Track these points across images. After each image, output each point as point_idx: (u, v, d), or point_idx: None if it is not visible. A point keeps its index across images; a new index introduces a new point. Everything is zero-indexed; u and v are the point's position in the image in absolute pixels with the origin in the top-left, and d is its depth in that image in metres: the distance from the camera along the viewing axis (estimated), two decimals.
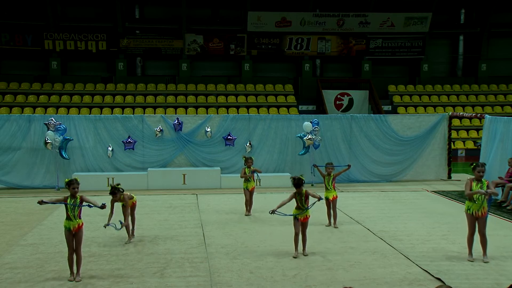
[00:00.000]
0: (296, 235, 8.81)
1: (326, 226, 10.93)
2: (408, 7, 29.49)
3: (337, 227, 10.85)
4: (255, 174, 13.00)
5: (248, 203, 12.19)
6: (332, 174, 11.06)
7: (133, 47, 28.51)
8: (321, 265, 8.43)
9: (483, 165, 8.63)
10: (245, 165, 12.40)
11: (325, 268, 8.29)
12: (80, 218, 7.91)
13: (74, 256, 7.86)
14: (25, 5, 27.67)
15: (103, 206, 7.78)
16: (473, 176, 8.60)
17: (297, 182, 8.82)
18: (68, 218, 7.86)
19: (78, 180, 8.07)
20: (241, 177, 12.28)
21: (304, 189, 8.85)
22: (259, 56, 29.59)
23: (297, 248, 8.83)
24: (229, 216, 12.06)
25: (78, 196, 7.91)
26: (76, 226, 7.87)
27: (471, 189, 8.44)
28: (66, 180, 8.05)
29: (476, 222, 8.53)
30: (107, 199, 14.01)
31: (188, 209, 12.93)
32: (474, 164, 8.65)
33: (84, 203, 7.91)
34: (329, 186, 11.01)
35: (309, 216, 8.92)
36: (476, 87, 30.27)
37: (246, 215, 12.09)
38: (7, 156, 15.87)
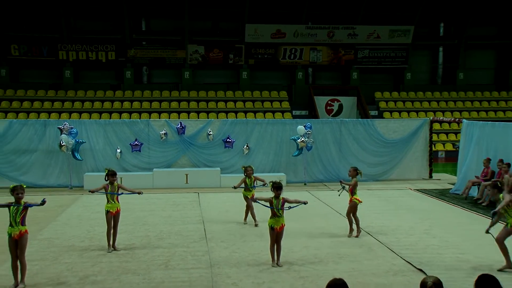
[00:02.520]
0: (272, 245, 8.01)
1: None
2: (393, 20, 29.56)
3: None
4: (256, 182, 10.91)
5: (250, 212, 10.78)
6: (354, 179, 9.84)
7: (139, 57, 28.47)
8: (313, 257, 8.45)
9: None
10: (244, 174, 10.81)
11: (317, 260, 8.31)
12: (23, 224, 7.19)
13: (18, 264, 7.21)
14: (41, 19, 27.64)
15: (43, 202, 7.26)
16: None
17: (277, 186, 7.99)
18: (10, 224, 7.15)
19: (24, 186, 7.48)
20: (235, 187, 10.74)
21: (282, 196, 8.00)
22: (256, 65, 29.59)
23: (274, 258, 8.04)
24: (228, 213, 12.06)
25: (22, 202, 7.22)
26: (18, 233, 7.12)
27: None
28: (11, 186, 7.31)
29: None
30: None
31: (190, 207, 12.94)
32: None
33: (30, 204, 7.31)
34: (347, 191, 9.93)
35: (284, 225, 8.07)
36: (454, 94, 30.34)
37: (244, 223, 10.87)
38: (25, 158, 15.85)
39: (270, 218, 8.08)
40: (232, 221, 11.21)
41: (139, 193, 9.45)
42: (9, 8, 27.04)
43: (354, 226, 9.85)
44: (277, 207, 8.01)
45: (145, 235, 9.98)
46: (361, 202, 9.86)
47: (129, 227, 10.61)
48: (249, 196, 10.58)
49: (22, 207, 7.20)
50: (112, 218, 8.94)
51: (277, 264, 8.01)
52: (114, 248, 8.89)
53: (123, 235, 9.88)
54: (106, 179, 9.10)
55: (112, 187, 9.01)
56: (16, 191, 7.18)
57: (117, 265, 8.09)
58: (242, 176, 11.00)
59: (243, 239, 9.66)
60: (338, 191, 10.03)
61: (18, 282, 7.18)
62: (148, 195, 14.50)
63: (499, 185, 8.20)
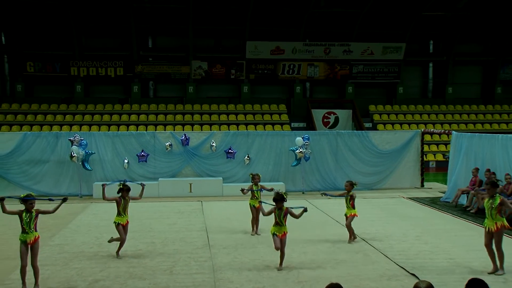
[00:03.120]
0: (277, 249, 8.04)
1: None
2: (385, 38, 29.70)
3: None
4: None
5: (255, 222, 10.46)
6: (351, 193, 9.60)
7: (146, 73, 28.58)
8: (311, 263, 8.42)
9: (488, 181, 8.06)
10: (252, 182, 10.67)
11: (314, 265, 8.28)
12: (36, 230, 7.28)
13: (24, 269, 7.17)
14: (55, 38, 27.82)
15: (64, 199, 7.66)
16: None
17: (280, 198, 7.99)
18: (23, 231, 7.19)
19: (33, 195, 7.66)
20: (244, 193, 10.40)
21: (285, 206, 8.04)
22: (256, 79, 29.68)
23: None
24: (230, 220, 12.02)
25: (34, 210, 7.30)
26: (33, 239, 7.21)
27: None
28: (22, 195, 7.36)
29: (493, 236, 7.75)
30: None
31: (194, 214, 12.91)
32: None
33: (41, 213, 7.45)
34: (347, 204, 9.69)
35: (286, 233, 8.11)
36: (444, 107, 30.39)
37: (252, 235, 10.40)
38: (38, 168, 15.86)
39: (273, 225, 8.17)
40: (234, 228, 11.17)
41: (142, 184, 9.71)
42: (26, 28, 27.23)
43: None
44: (279, 217, 8.09)
45: (151, 241, 9.95)
46: (357, 216, 9.83)
47: (136, 234, 10.58)
48: (256, 206, 10.22)
49: (34, 214, 7.28)
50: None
51: (278, 268, 8.07)
52: (117, 255, 8.82)
53: (130, 242, 9.85)
54: (119, 193, 8.89)
55: (124, 202, 8.90)
56: (29, 202, 7.25)
57: (124, 270, 8.06)
58: (245, 184, 11.01)
59: (244, 245, 9.63)
60: (323, 195, 10.16)
61: (26, 286, 7.16)
62: (153, 203, 14.50)
63: (496, 182, 7.93)
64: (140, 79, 28.76)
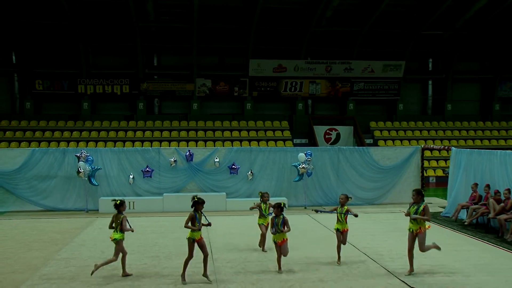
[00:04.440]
0: (279, 257, 8.69)
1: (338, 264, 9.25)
2: (385, 56, 29.91)
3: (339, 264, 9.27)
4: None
5: (264, 239, 10.18)
6: (345, 206, 9.45)
7: (151, 90, 28.76)
8: (313, 276, 8.41)
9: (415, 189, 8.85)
10: (260, 200, 10.38)
11: (316, 279, 8.27)
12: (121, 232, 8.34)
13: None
14: (63, 56, 28.13)
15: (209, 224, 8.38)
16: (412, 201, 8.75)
17: (278, 205, 8.61)
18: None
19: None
20: (251, 208, 10.46)
21: (282, 215, 8.58)
22: (259, 97, 29.80)
23: (280, 267, 8.69)
24: (234, 235, 12.01)
25: (121, 216, 8.45)
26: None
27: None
28: (118, 201, 8.54)
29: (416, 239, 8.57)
30: (128, 220, 14.04)
31: None
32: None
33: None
34: (341, 218, 9.49)
35: (286, 239, 8.60)
36: (443, 124, 30.43)
37: (263, 250, 10.13)
38: (46, 183, 15.93)
39: (274, 233, 8.61)
40: (238, 242, 11.16)
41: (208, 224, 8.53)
42: (35, 47, 27.57)
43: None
44: (277, 225, 8.54)
45: (156, 255, 9.97)
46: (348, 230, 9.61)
47: (141, 248, 10.60)
48: (264, 224, 10.10)
49: (122, 216, 8.41)
50: (195, 246, 8.20)
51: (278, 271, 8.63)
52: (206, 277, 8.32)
53: (135, 255, 9.88)
54: (193, 207, 8.25)
55: (199, 215, 8.29)
56: (123, 206, 8.53)
57: (130, 283, 8.07)
58: (248, 200, 10.90)
59: (247, 259, 9.62)
60: (318, 212, 9.95)
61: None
62: (158, 218, 14.52)
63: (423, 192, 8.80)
64: (146, 97, 28.93)
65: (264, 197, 10.36)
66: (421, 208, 8.49)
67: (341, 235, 9.35)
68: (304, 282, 8.08)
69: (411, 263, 8.60)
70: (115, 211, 8.60)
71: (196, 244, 8.17)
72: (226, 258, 9.72)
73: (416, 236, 8.53)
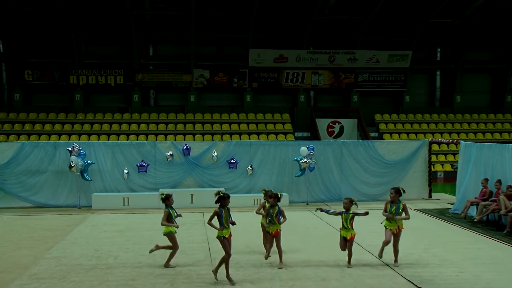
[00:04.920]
0: (266, 242, 9.15)
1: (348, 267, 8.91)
2: (391, 45, 29.79)
3: (350, 267, 8.91)
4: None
5: (269, 244, 9.25)
6: (351, 211, 9.00)
7: (147, 81, 28.71)
8: (315, 276, 8.38)
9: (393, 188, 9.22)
10: (264, 198, 9.68)
11: (319, 279, 8.25)
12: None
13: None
14: (54, 46, 28.04)
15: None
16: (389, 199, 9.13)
17: (275, 196, 8.90)
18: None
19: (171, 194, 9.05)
20: (257, 212, 9.83)
21: (278, 205, 8.92)
22: (259, 88, 29.75)
23: (267, 250, 9.10)
24: (233, 232, 11.95)
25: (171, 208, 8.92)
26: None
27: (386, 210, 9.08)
28: (164, 195, 8.97)
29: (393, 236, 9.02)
30: (123, 217, 14.05)
31: (195, 226, 12.90)
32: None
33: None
34: (347, 224, 9.00)
35: (279, 230, 8.92)
36: (452, 116, 30.37)
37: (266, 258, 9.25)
38: (36, 178, 15.87)
39: (268, 223, 8.85)
40: (237, 239, 11.10)
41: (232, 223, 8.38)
42: (24, 36, 27.45)
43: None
44: (272, 215, 8.82)
45: (152, 254, 9.91)
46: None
47: (136, 246, 10.58)
48: (270, 232, 9.19)
49: (164, 210, 8.81)
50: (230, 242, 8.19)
51: (278, 266, 8.78)
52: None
53: (130, 254, 9.86)
54: (218, 203, 8.17)
55: (225, 211, 8.18)
56: (169, 199, 8.96)
57: (124, 283, 8.05)
58: (247, 195, 10.69)
59: (246, 258, 9.60)
60: (322, 211, 9.43)
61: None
62: (154, 215, 14.42)
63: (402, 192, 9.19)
64: (141, 88, 28.88)
65: (268, 195, 9.54)
66: (401, 207, 8.98)
67: (346, 244, 8.95)
68: (305, 281, 8.06)
69: (382, 250, 9.21)
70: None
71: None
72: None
73: (395, 234, 9.02)
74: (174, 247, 9.03)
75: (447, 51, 31.19)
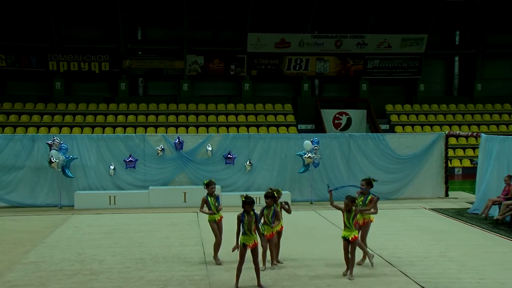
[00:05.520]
0: (264, 251, 8.99)
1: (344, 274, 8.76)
2: (405, 28, 29.71)
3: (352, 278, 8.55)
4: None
5: (275, 249, 9.27)
6: (353, 210, 8.74)
7: (135, 68, 28.66)
8: (320, 282, 8.36)
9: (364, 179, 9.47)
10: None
11: (324, 284, 8.23)
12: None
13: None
14: (30, 28, 27.90)
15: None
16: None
17: (271, 195, 8.95)
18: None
19: (214, 180, 9.62)
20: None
21: (274, 206, 8.98)
22: (259, 76, 29.71)
23: (265, 263, 9.01)
24: (230, 234, 11.93)
25: (215, 195, 9.67)
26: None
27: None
28: (205, 181, 9.53)
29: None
30: (109, 217, 14.04)
31: (189, 227, 12.88)
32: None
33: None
34: (349, 223, 8.74)
35: (274, 233, 9.07)
36: (471, 107, 30.37)
37: (271, 268, 9.16)
38: (11, 175, 15.80)
39: (261, 224, 8.80)
40: (234, 242, 11.11)
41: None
42: None
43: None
44: (267, 216, 8.96)
45: (140, 257, 9.92)
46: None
47: (123, 249, 10.55)
48: (277, 229, 9.28)
49: (218, 200, 9.46)
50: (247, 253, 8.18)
51: (276, 261, 9.18)
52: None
53: (116, 258, 9.84)
54: (244, 207, 8.13)
55: (248, 217, 8.09)
56: (210, 186, 9.42)
57: None
58: (247, 194, 10.51)
59: (245, 262, 9.55)
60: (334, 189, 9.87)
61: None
62: (143, 215, 14.47)
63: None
64: (128, 76, 28.82)
65: (264, 195, 9.33)
66: (368, 199, 9.28)
67: (349, 245, 8.67)
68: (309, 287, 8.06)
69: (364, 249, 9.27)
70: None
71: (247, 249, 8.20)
72: (221, 260, 9.67)
73: (360, 227, 9.30)
74: (215, 238, 9.52)
75: (467, 34, 31.11)
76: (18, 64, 27.56)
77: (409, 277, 8.63)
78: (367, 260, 9.26)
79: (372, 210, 9.23)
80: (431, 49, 30.22)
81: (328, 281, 8.45)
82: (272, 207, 8.98)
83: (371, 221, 9.45)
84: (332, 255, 9.98)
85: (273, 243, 9.07)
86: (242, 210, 8.15)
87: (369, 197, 9.30)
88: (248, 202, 8.08)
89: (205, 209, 9.59)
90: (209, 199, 9.52)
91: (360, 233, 9.24)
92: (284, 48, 29.12)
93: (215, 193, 9.70)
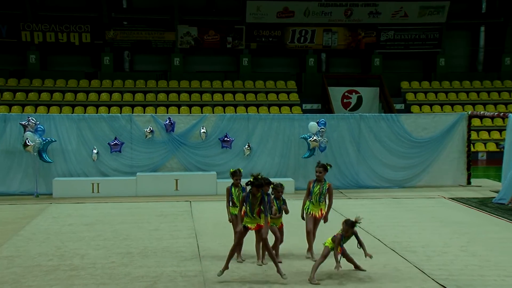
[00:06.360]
0: (257, 243, 9.11)
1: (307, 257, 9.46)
2: None
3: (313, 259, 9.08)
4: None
5: (277, 245, 9.33)
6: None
7: (120, 40, 28.53)
8: (328, 278, 8.41)
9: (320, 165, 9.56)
10: (272, 193, 9.34)
11: (332, 282, 8.27)
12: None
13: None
14: None
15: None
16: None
17: (259, 184, 8.23)
18: (234, 205, 9.19)
19: (241, 170, 9.71)
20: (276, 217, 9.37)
21: (260, 193, 8.27)
22: (259, 49, 29.62)
23: (259, 256, 9.19)
24: (226, 225, 11.97)
25: (240, 185, 9.51)
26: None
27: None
28: (232, 170, 9.67)
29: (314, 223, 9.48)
30: (91, 207, 14.08)
31: (181, 218, 12.91)
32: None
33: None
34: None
35: (262, 225, 8.57)
36: (498, 83, 30.28)
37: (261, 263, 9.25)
38: None
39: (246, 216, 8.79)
40: (230, 234, 11.13)
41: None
42: None
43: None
44: (253, 206, 8.66)
45: (127, 251, 9.95)
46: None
47: (108, 242, 10.58)
48: (277, 225, 9.36)
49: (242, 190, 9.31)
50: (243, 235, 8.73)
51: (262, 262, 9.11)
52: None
53: (100, 252, 9.88)
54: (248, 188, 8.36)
55: (253, 199, 8.29)
56: (235, 176, 9.48)
57: (93, 287, 8.07)
58: (244, 181, 10.63)
59: (242, 257, 9.61)
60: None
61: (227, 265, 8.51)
62: (130, 204, 14.51)
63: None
64: (112, 48, 28.71)
65: (277, 191, 9.35)
66: (326, 187, 9.41)
67: (314, 223, 9.54)
68: (315, 284, 8.08)
69: (311, 245, 9.52)
70: None
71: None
72: (216, 254, 9.72)
73: (317, 220, 9.48)
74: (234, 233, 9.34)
75: (494, 1, 30.88)
76: None
77: (426, 273, 8.67)
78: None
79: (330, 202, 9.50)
80: (453, 18, 30.06)
81: (337, 278, 8.50)
82: (259, 195, 8.33)
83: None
84: (349, 247, 10.02)
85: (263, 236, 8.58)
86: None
87: (327, 184, 9.45)
88: (256, 185, 8.19)
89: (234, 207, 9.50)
90: (233, 190, 9.51)
91: (315, 225, 9.48)
92: (287, 18, 28.99)
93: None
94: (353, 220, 8.36)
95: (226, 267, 8.33)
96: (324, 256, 8.39)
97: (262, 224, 8.31)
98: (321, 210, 9.43)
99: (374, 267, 9.01)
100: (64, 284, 8.19)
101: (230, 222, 9.62)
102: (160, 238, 10.95)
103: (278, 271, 8.23)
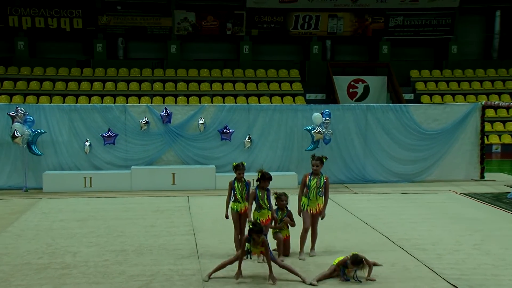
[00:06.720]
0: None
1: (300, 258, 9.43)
2: None
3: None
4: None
5: (280, 249, 9.51)
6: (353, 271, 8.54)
7: (113, 26, 28.50)
8: (332, 278, 8.41)
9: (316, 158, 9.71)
10: (276, 204, 9.58)
11: (335, 281, 8.28)
12: (247, 201, 9.29)
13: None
14: None
15: None
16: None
17: (262, 176, 9.10)
18: (237, 201, 9.35)
19: (244, 164, 9.63)
20: (275, 227, 9.58)
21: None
22: (260, 36, 29.58)
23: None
24: (225, 222, 11.99)
25: (243, 180, 9.50)
26: (244, 208, 9.27)
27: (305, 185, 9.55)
28: (234, 164, 9.57)
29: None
30: (84, 202, 14.09)
31: (178, 214, 12.92)
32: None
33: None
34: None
35: (270, 218, 9.28)
36: None
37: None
38: None
39: (255, 210, 9.22)
40: (230, 231, 11.14)
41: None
42: None
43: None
44: (262, 199, 9.15)
45: (121, 249, 9.96)
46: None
47: (101, 239, 10.59)
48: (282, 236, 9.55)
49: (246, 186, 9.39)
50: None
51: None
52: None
53: (93, 249, 9.89)
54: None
55: (261, 193, 9.24)
56: (239, 170, 9.38)
57: (85, 286, 8.08)
58: (247, 175, 10.63)
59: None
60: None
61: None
62: (124, 199, 14.52)
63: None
64: (106, 35, 28.68)
65: (281, 199, 9.61)
66: (323, 181, 9.52)
67: (311, 220, 9.57)
68: (322, 283, 8.10)
69: (302, 246, 9.52)
70: None
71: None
72: (215, 252, 9.75)
73: (316, 216, 9.53)
74: (235, 230, 9.56)
75: None
76: None
77: (436, 272, 8.67)
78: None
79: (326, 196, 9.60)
80: (466, 2, 29.99)
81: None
82: (264, 191, 9.18)
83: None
84: (346, 244, 10.03)
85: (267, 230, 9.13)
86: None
87: (324, 178, 9.55)
88: (255, 231, 8.23)
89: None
90: (235, 185, 9.49)
91: (315, 222, 9.54)
92: (291, 3, 28.95)
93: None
94: (360, 258, 8.22)
95: (212, 273, 8.41)
96: (331, 272, 8.43)
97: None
98: (318, 205, 9.49)
99: (382, 265, 9.02)
100: (55, 283, 8.19)
101: (227, 218, 9.60)
102: (156, 235, 10.95)
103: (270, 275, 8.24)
